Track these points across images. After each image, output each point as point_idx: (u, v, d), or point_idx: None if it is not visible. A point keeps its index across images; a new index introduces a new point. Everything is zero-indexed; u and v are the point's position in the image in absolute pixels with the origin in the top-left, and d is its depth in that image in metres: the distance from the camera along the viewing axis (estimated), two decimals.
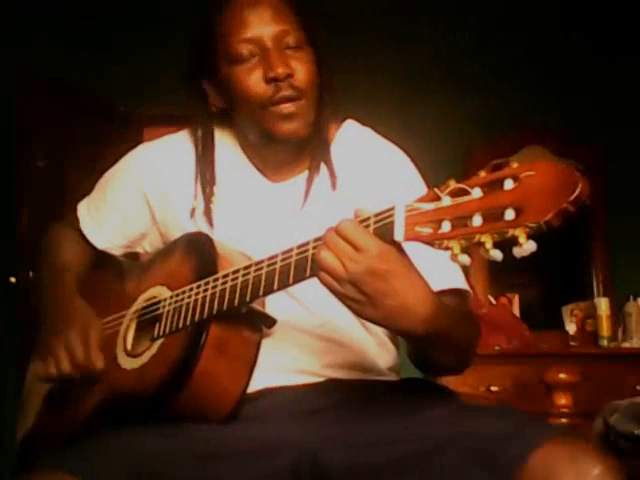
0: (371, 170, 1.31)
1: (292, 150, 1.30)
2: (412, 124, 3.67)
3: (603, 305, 3.58)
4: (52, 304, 1.33)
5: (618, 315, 3.57)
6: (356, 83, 3.53)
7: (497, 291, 3.81)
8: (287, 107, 1.23)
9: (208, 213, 1.31)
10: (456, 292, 1.25)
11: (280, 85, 1.23)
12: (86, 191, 1.51)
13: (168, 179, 1.37)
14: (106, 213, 1.42)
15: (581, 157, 3.61)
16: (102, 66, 3.68)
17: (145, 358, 1.20)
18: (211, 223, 1.31)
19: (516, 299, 3.77)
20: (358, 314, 1.00)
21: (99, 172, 1.51)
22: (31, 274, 3.11)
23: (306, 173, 1.30)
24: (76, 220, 1.45)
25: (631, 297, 3.52)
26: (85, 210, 1.46)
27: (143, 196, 1.38)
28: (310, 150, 1.31)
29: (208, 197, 1.32)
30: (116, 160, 1.47)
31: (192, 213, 1.32)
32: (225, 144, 1.36)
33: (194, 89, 1.33)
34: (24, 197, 3.35)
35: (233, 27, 1.26)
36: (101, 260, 1.44)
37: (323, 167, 1.30)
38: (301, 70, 1.25)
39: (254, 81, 1.24)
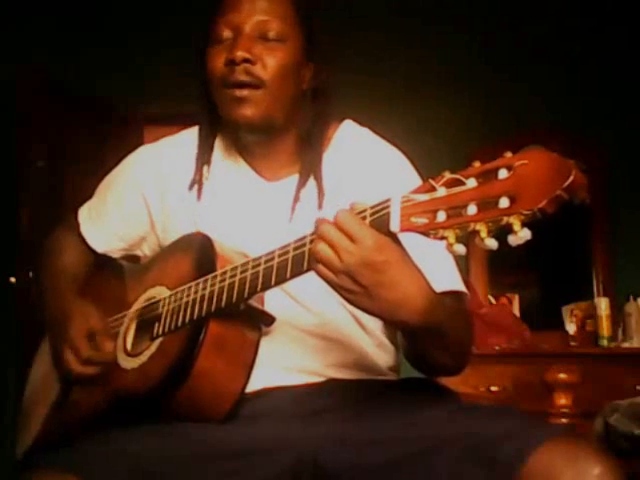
0: (369, 170, 1.30)
1: (273, 145, 1.30)
2: (413, 127, 3.67)
3: (603, 305, 3.58)
4: (52, 309, 1.34)
5: (618, 315, 3.56)
6: (357, 86, 3.53)
7: (497, 291, 3.81)
8: (239, 91, 1.23)
9: (199, 186, 1.32)
10: (454, 294, 1.24)
11: (236, 69, 1.23)
12: (86, 192, 1.51)
13: (168, 180, 1.37)
14: (106, 216, 1.43)
15: (582, 157, 3.60)
16: (102, 66, 3.68)
17: (144, 357, 1.21)
18: (199, 196, 1.32)
19: (516, 299, 3.77)
20: (354, 305, 1.00)
21: (99, 172, 1.51)
22: (31, 274, 3.11)
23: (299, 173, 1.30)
24: (77, 224, 1.46)
25: (631, 297, 3.52)
26: (86, 214, 1.46)
27: (143, 199, 1.39)
28: (303, 149, 1.31)
29: (200, 170, 1.33)
30: (116, 159, 1.47)
31: (190, 186, 1.33)
32: (223, 144, 1.36)
33: (197, 72, 1.34)
34: (24, 197, 3.35)
35: (223, 10, 1.27)
36: (102, 262, 1.45)
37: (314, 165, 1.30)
38: (269, 61, 1.24)
39: (217, 62, 1.25)
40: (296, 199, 1.28)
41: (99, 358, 1.23)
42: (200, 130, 1.36)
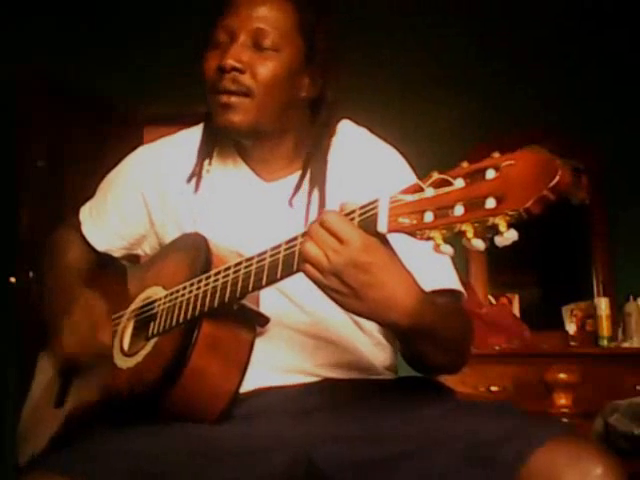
0: (366, 170, 1.30)
1: (269, 149, 1.30)
2: (411, 126, 3.68)
3: (603, 305, 3.58)
4: (55, 299, 1.34)
5: (618, 315, 3.57)
6: (355, 86, 3.52)
7: (497, 291, 3.81)
8: (227, 98, 1.23)
9: (198, 179, 1.33)
10: (449, 293, 1.24)
11: (225, 76, 1.23)
12: (86, 192, 1.52)
13: (167, 180, 1.37)
14: (106, 215, 1.43)
15: (581, 156, 3.61)
16: (102, 66, 3.69)
17: (140, 357, 1.21)
18: (197, 189, 1.32)
19: (516, 299, 3.77)
20: (342, 306, 1.00)
21: (99, 172, 1.52)
22: (31, 274, 3.11)
23: (298, 173, 1.30)
24: (78, 223, 1.46)
25: (631, 297, 3.52)
26: (87, 213, 1.47)
27: (142, 198, 1.39)
28: (302, 150, 1.30)
29: (201, 162, 1.33)
30: (116, 160, 1.48)
31: (189, 179, 1.34)
32: (224, 144, 1.36)
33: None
34: (24, 197, 3.35)
35: (225, 13, 1.27)
36: (103, 262, 1.45)
37: (317, 167, 1.29)
38: (260, 70, 1.24)
39: (211, 66, 1.26)
40: (297, 189, 1.28)
41: (95, 345, 1.22)
42: (205, 126, 1.36)
